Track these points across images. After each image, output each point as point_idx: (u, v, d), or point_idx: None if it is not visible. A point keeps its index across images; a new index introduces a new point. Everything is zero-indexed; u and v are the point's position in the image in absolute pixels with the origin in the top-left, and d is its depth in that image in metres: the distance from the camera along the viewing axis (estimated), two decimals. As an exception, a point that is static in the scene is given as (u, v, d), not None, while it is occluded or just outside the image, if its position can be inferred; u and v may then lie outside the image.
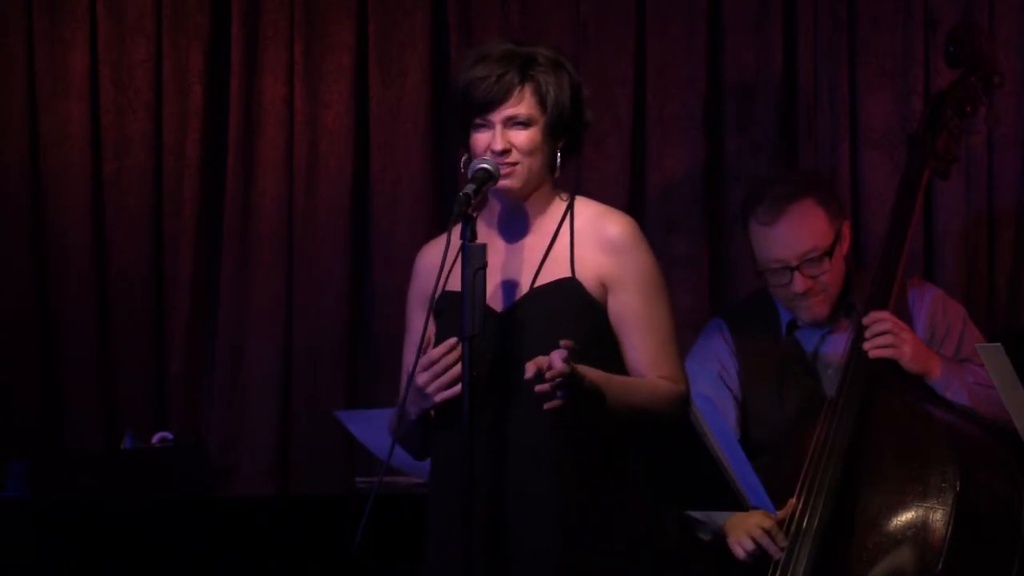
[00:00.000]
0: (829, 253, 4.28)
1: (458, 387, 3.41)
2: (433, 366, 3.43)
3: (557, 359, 3.31)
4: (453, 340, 3.43)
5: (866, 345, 4.21)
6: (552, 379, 3.30)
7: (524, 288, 3.55)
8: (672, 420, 3.53)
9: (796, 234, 4.28)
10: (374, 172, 5.23)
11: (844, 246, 4.34)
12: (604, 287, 3.55)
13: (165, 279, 5.22)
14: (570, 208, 3.61)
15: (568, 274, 3.54)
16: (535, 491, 3.47)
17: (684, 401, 3.53)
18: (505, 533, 3.46)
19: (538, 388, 3.31)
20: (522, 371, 3.38)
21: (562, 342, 3.33)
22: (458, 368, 3.42)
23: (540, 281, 3.54)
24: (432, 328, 3.54)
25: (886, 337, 4.20)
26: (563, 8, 5.21)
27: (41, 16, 5.17)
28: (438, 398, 3.44)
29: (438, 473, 3.59)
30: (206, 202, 5.23)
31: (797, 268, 4.27)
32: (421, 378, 3.45)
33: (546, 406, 3.33)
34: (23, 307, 5.15)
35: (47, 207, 5.18)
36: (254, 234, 5.21)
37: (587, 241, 3.56)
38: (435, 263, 3.55)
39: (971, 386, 4.21)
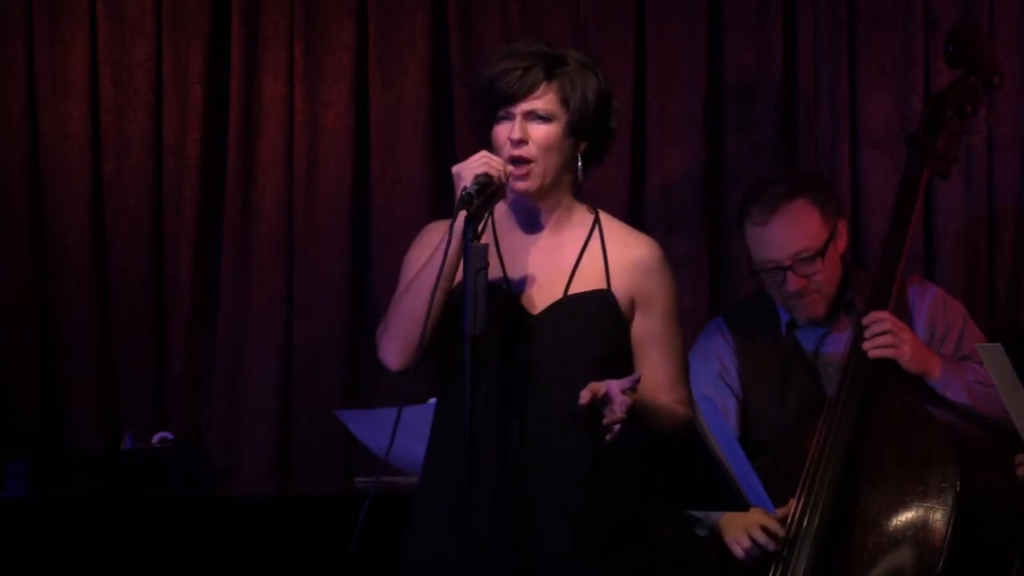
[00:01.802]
0: (822, 253, 4.28)
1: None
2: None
3: (617, 391, 3.35)
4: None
5: (866, 345, 4.21)
6: (622, 410, 3.35)
7: (557, 293, 3.57)
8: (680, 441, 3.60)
9: (788, 234, 4.28)
10: (374, 172, 5.23)
11: (839, 245, 4.33)
12: (632, 306, 3.59)
13: (165, 279, 5.21)
14: (597, 221, 3.64)
15: (604, 286, 3.57)
16: (555, 493, 3.48)
17: (691, 425, 3.59)
18: (522, 535, 3.46)
19: (607, 420, 3.36)
20: (546, 374, 3.44)
21: (634, 376, 3.40)
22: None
23: (574, 289, 3.56)
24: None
25: (886, 337, 4.20)
26: (563, 8, 5.21)
27: (41, 16, 5.16)
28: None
29: (442, 471, 3.57)
30: (206, 202, 5.22)
31: (790, 268, 4.27)
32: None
33: (608, 437, 3.38)
34: (23, 307, 5.15)
35: (47, 207, 5.17)
36: (254, 234, 5.21)
37: (619, 258, 3.60)
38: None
39: (971, 385, 4.21)
